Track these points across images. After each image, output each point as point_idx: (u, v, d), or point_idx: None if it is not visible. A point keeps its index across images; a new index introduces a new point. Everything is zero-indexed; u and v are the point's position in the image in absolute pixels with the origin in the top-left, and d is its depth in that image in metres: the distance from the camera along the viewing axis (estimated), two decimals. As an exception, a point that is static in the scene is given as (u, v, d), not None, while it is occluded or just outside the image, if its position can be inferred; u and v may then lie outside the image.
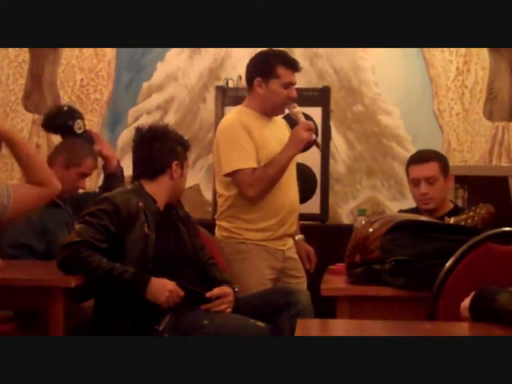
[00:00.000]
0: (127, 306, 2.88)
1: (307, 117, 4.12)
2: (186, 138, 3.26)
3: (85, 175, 3.55)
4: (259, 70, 3.53)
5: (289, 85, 3.51)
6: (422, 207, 3.43)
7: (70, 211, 3.55)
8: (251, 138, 3.44)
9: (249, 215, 3.60)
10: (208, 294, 2.98)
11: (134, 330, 2.85)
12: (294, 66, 3.54)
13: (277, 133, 3.55)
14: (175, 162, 3.10)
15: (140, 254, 2.93)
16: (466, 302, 2.08)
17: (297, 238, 3.73)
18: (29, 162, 2.72)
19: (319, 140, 3.58)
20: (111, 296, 2.89)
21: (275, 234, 3.56)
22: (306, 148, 3.54)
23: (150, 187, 3.08)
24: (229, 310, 3.00)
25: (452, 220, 3.03)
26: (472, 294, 2.11)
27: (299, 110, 3.52)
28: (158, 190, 3.08)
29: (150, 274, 2.90)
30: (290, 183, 3.58)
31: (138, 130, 3.16)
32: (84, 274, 2.85)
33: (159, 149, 3.09)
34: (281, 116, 3.71)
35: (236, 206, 3.52)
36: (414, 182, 3.48)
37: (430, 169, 3.44)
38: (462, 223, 2.97)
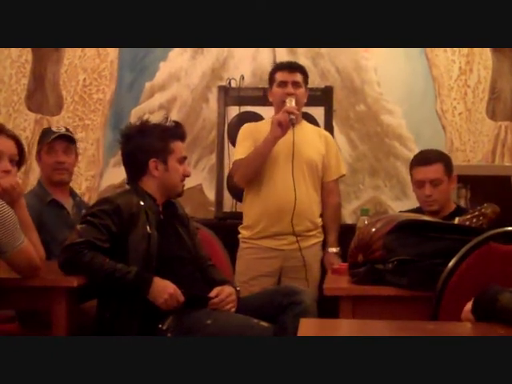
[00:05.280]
0: (134, 307, 2.86)
1: (309, 115, 4.15)
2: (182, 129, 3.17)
3: None
4: (268, 81, 3.82)
5: (283, 83, 3.70)
6: (426, 209, 3.43)
7: (74, 212, 3.54)
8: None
9: (244, 213, 3.78)
10: (212, 295, 2.98)
11: (139, 329, 2.84)
12: (284, 66, 3.79)
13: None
14: (152, 160, 3.04)
15: (143, 253, 2.91)
16: (469, 306, 2.07)
17: (329, 249, 3.78)
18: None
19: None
20: (117, 297, 2.87)
21: (265, 232, 3.64)
22: (286, 129, 3.58)
23: (144, 187, 3.06)
24: (233, 309, 3.00)
25: (457, 220, 3.02)
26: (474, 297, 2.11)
27: (291, 100, 3.64)
28: (149, 188, 3.06)
29: (153, 273, 2.89)
30: (287, 183, 3.60)
31: (121, 133, 3.14)
32: (86, 276, 2.84)
33: (133, 149, 3.06)
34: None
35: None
36: (419, 184, 3.47)
37: (435, 171, 3.45)
38: (467, 223, 2.96)
